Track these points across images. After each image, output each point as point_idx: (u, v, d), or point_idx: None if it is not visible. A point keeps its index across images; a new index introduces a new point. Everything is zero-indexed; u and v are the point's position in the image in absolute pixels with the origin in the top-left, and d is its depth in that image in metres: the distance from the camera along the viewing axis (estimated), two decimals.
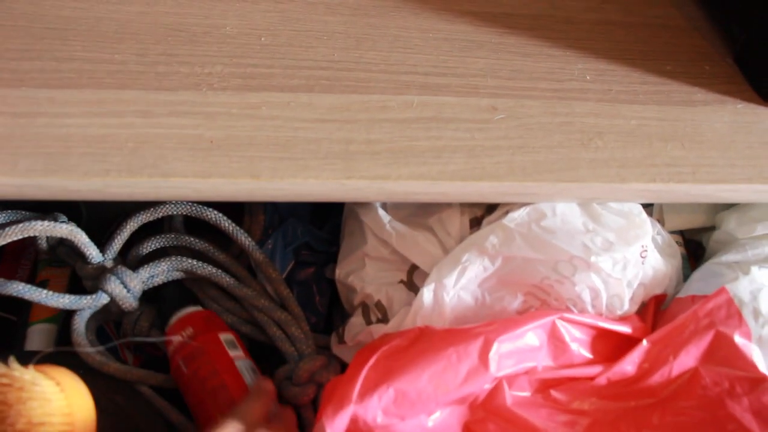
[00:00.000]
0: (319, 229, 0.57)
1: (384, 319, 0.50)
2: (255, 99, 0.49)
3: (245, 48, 0.52)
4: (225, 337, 0.50)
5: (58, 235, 0.50)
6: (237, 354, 0.49)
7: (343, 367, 0.51)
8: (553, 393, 0.48)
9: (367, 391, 0.42)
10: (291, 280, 0.55)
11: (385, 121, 0.49)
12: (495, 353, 0.44)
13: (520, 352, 0.46)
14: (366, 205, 0.52)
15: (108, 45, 0.51)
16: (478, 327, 0.45)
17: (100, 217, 0.62)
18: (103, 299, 0.50)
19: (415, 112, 0.50)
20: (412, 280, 0.51)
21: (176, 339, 0.48)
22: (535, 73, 0.55)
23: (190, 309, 0.51)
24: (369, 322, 0.50)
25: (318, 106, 0.49)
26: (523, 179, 0.48)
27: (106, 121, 0.46)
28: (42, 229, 0.49)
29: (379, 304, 0.50)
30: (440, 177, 0.47)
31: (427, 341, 0.44)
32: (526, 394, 0.48)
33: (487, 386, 0.45)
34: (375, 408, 0.41)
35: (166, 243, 0.54)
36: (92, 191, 0.44)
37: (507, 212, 0.50)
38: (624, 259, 0.48)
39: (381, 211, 0.51)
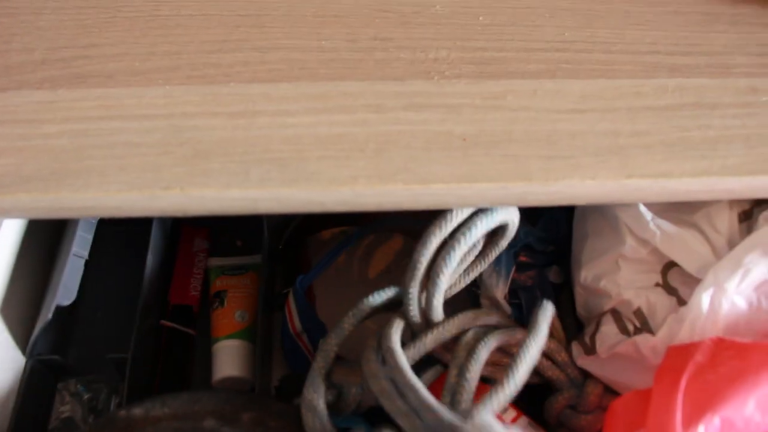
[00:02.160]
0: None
1: (644, 328, 0.42)
2: (496, 88, 0.41)
3: (465, 29, 0.44)
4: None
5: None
6: None
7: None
8: None
9: (690, 421, 0.34)
10: (514, 285, 0.47)
11: (645, 109, 0.41)
12: None
13: None
14: None
15: (311, 30, 0.43)
16: None
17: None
18: None
19: (674, 98, 0.42)
20: (668, 282, 0.43)
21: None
22: None
23: None
24: (625, 331, 0.43)
25: (567, 93, 0.41)
26: None
27: (335, 119, 0.39)
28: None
29: (638, 312, 0.42)
30: (724, 172, 0.39)
31: (735, 358, 0.37)
32: None
33: None
34: None
35: None
36: (339, 202, 0.36)
37: None
38: None
39: (643, 208, 0.43)
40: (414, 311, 0.43)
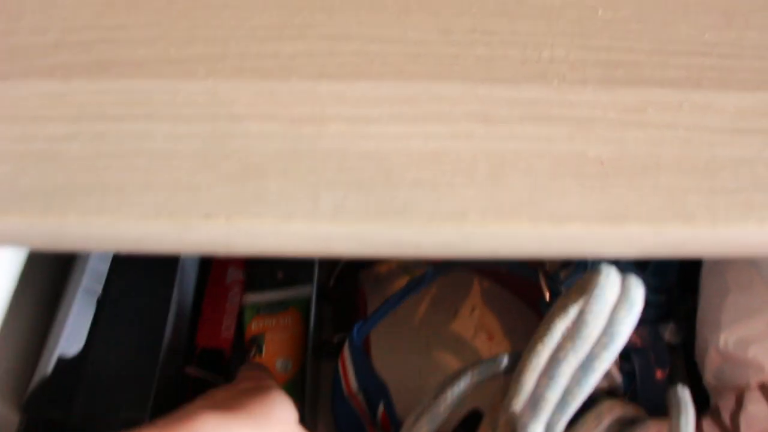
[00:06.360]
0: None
1: None
2: (632, 98, 0.31)
3: (583, 25, 0.34)
4: None
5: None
6: None
7: None
8: None
9: None
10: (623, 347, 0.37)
11: None
12: None
13: None
14: None
15: (392, 18, 0.33)
16: None
17: None
18: None
19: None
20: None
21: None
22: None
23: None
24: None
25: (720, 108, 0.31)
26: None
27: (430, 129, 0.29)
28: None
29: None
30: None
31: None
32: None
33: None
34: None
35: None
36: (441, 245, 0.26)
37: None
38: None
39: None
40: None
